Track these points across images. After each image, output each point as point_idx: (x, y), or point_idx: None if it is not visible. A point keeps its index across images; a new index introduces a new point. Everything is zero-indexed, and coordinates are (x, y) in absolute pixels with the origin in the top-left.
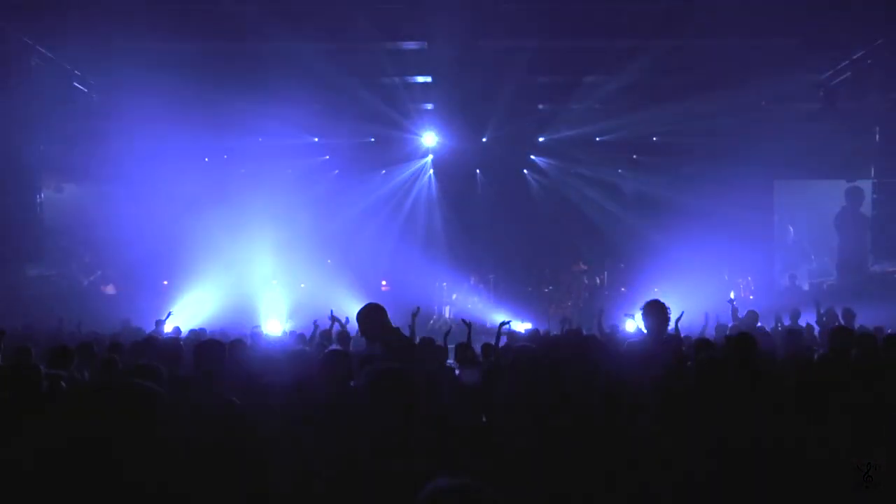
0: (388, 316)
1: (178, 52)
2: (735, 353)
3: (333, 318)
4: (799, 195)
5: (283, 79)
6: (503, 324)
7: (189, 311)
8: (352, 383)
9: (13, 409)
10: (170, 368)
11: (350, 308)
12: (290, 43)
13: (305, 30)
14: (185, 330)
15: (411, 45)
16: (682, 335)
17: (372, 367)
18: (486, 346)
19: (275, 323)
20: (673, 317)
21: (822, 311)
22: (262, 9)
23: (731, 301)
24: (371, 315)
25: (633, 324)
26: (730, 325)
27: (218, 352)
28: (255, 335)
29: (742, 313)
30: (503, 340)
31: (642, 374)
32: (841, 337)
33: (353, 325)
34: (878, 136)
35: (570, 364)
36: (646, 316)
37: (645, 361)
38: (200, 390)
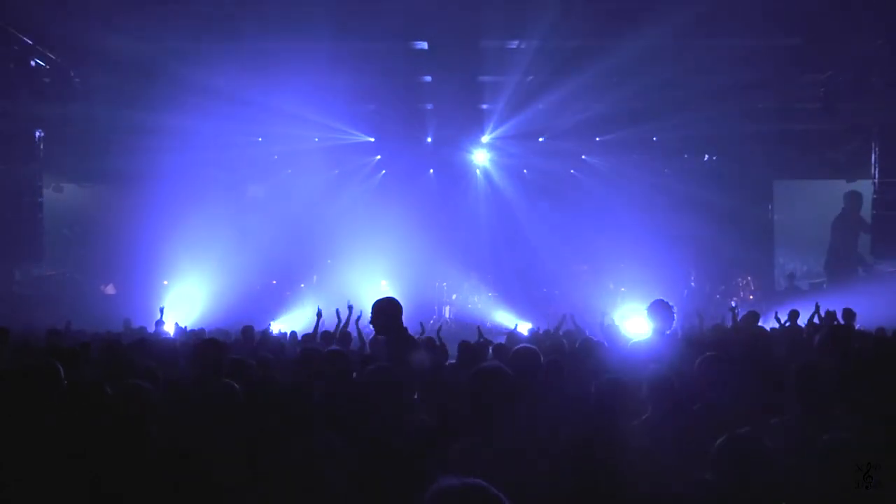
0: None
1: (178, 52)
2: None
3: (338, 315)
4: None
5: (283, 77)
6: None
7: (189, 309)
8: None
9: (36, 408)
10: (166, 369)
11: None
12: (290, 42)
13: (306, 28)
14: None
15: (412, 44)
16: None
17: (368, 367)
18: (482, 345)
19: (277, 323)
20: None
21: (821, 312)
22: (261, 7)
23: (731, 308)
24: (387, 308)
25: (635, 323)
26: (729, 325)
27: (218, 351)
28: (261, 333)
29: (742, 314)
30: (502, 339)
31: (646, 375)
32: (843, 336)
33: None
34: (877, 136)
35: (570, 365)
36: (651, 316)
37: (649, 362)
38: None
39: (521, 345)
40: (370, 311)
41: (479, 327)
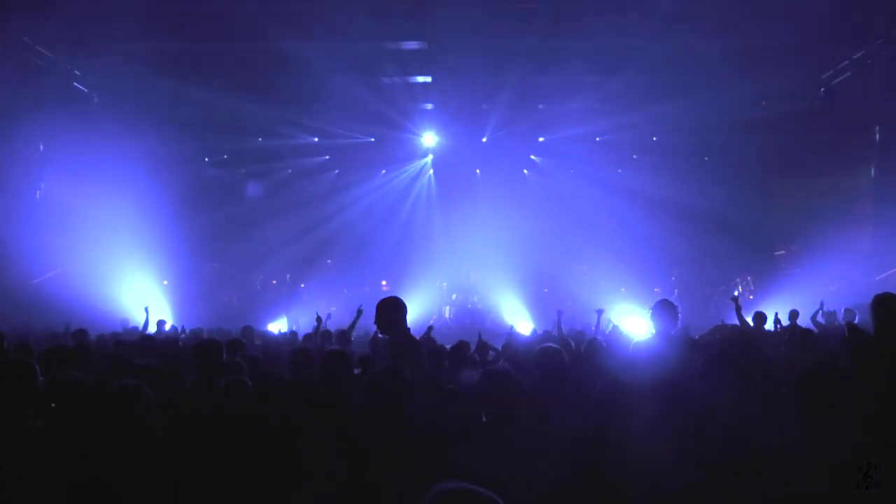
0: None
1: (178, 53)
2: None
3: (319, 320)
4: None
5: (283, 78)
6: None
7: (188, 309)
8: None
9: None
10: (169, 368)
11: (349, 307)
12: (289, 43)
13: (305, 29)
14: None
15: (411, 45)
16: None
17: (372, 368)
18: (482, 345)
19: (276, 323)
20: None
21: (822, 311)
22: (261, 8)
23: (734, 297)
24: (392, 307)
25: (633, 323)
26: (735, 323)
27: (218, 351)
28: (257, 334)
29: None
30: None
31: (647, 376)
32: (855, 336)
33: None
34: (877, 136)
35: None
36: (654, 316)
37: (651, 362)
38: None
39: (546, 344)
40: (375, 309)
41: (479, 332)
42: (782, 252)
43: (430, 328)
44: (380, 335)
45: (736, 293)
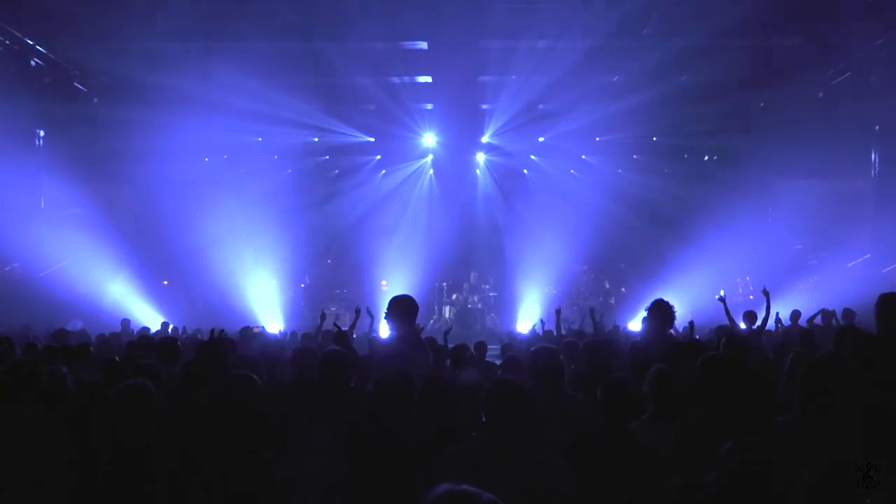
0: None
1: (178, 52)
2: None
3: (323, 316)
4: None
5: (283, 78)
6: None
7: (187, 310)
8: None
9: (13, 404)
10: (169, 368)
11: (348, 307)
12: (290, 42)
13: (305, 29)
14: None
15: (412, 45)
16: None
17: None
18: (480, 345)
19: (275, 323)
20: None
21: (821, 312)
22: (261, 7)
23: (721, 298)
24: (403, 306)
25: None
26: (726, 324)
27: (219, 350)
28: (257, 334)
29: (739, 314)
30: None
31: (642, 375)
32: (849, 336)
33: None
34: (878, 136)
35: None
36: (650, 315)
37: (648, 361)
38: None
39: (540, 345)
40: (388, 305)
41: (509, 334)
42: (799, 246)
43: (449, 330)
44: (378, 336)
45: (722, 292)
